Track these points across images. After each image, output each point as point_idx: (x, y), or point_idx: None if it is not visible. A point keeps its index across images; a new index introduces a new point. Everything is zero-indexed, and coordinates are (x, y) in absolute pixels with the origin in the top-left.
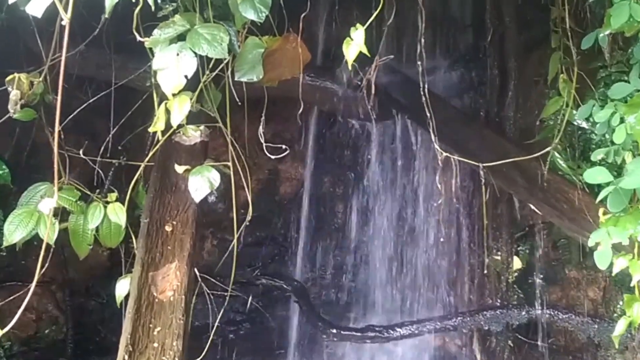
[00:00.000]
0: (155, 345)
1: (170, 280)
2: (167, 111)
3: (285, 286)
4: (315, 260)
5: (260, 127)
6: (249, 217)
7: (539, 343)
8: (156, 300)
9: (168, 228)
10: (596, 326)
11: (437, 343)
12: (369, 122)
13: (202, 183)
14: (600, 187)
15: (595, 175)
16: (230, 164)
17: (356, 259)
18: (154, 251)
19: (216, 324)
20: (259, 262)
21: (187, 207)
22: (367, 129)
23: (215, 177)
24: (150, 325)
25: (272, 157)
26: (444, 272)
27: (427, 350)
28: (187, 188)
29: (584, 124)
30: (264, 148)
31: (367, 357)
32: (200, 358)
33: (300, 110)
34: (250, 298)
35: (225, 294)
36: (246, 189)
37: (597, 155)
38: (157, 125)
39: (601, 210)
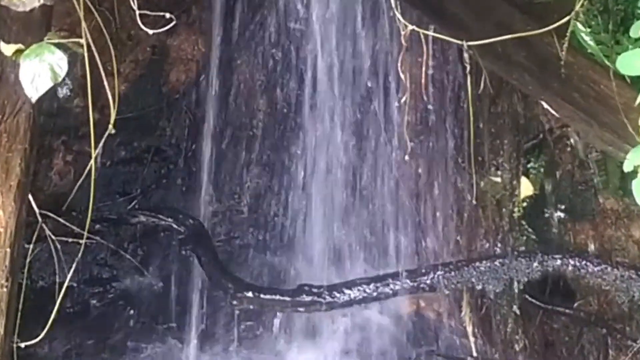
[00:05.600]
0: None
1: None
2: None
3: (175, 226)
4: (223, 185)
5: None
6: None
7: (560, 309)
8: None
9: None
10: None
11: (408, 309)
12: None
13: (40, 71)
14: None
15: (634, 61)
16: (83, 40)
17: (287, 181)
18: None
19: (66, 283)
20: (138, 188)
21: (17, 109)
22: None
23: (60, 62)
24: None
25: (151, 31)
26: (417, 203)
27: (392, 321)
28: (19, 79)
29: None
30: (137, 17)
31: (300, 332)
32: (39, 338)
33: None
34: (123, 245)
35: (83, 240)
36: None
37: (639, 29)
38: None
39: None
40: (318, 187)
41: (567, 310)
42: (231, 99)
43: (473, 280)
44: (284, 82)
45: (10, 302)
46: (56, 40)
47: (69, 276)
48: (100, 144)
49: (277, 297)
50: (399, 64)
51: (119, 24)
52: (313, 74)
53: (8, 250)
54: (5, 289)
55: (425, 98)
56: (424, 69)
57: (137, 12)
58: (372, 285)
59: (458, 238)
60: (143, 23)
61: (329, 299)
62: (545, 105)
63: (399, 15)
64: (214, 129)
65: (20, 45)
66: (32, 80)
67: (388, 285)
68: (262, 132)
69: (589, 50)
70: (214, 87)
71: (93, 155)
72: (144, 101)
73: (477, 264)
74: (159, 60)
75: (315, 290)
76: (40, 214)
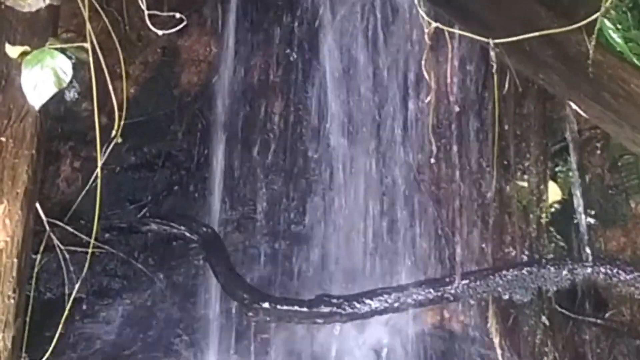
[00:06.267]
0: None
1: None
2: None
3: (188, 234)
4: (237, 191)
5: None
6: (119, 126)
7: (590, 319)
8: None
9: None
10: None
11: (432, 320)
12: None
13: (43, 77)
14: None
15: None
16: (88, 44)
17: (303, 188)
18: None
19: (74, 294)
20: (148, 195)
21: (24, 115)
22: None
23: (64, 67)
24: None
25: (160, 32)
26: (441, 209)
27: (415, 333)
28: None
29: None
30: (146, 17)
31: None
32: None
33: None
34: (134, 254)
35: (91, 250)
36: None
37: None
38: None
39: None
40: (336, 192)
41: (598, 321)
42: (245, 102)
43: (499, 289)
44: (300, 84)
45: (18, 315)
46: (59, 45)
47: (76, 287)
48: (108, 150)
49: (295, 308)
50: (422, 63)
51: (127, 24)
52: (330, 75)
53: (15, 260)
54: (12, 301)
55: (448, 99)
56: (448, 68)
57: (146, 12)
58: (394, 295)
59: (483, 245)
60: (152, 23)
61: (349, 309)
62: (574, 106)
63: (422, 13)
64: (227, 132)
65: (26, 47)
66: (34, 87)
67: (411, 295)
68: (278, 136)
69: (618, 49)
70: (227, 90)
71: (99, 162)
72: (155, 104)
73: (504, 272)
74: (170, 62)
75: (334, 300)
76: (48, 222)
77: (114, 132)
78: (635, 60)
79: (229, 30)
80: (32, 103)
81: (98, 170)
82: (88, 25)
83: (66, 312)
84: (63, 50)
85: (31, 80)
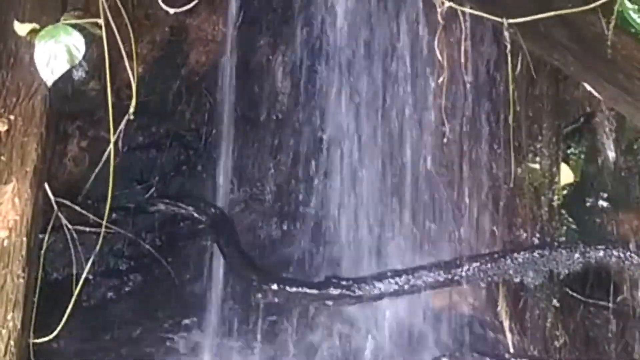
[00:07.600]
0: None
1: (4, 213)
2: None
3: (196, 215)
4: (246, 172)
5: None
6: (133, 104)
7: (602, 303)
8: None
9: (2, 126)
10: None
11: (441, 302)
12: None
13: (56, 53)
14: None
15: None
16: (101, 20)
17: (312, 169)
18: None
19: (84, 275)
20: (156, 175)
21: (33, 92)
22: None
23: (78, 44)
24: None
25: (172, 10)
26: (451, 191)
27: (424, 314)
28: (34, 61)
29: None
30: None
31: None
32: (54, 334)
33: None
34: (141, 235)
35: (100, 229)
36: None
37: None
38: None
39: None
40: (345, 173)
41: (609, 305)
42: (253, 82)
43: (510, 272)
44: (309, 63)
45: (27, 294)
46: (73, 21)
47: (87, 268)
48: (119, 130)
49: (304, 289)
50: (435, 43)
51: (135, 2)
52: (339, 54)
53: (24, 239)
54: (22, 280)
55: (460, 80)
56: (462, 48)
57: None
58: (403, 278)
59: (494, 228)
60: (162, 1)
61: (358, 292)
62: (588, 87)
63: None
64: (235, 112)
65: (34, 25)
66: (47, 63)
67: (421, 277)
68: (286, 116)
69: (633, 30)
70: (235, 69)
71: (112, 141)
72: (162, 84)
73: (515, 255)
74: (178, 41)
75: (343, 282)
76: (56, 202)
77: (130, 110)
78: None
79: (237, 10)
80: (45, 78)
81: (112, 149)
82: (102, 2)
83: (76, 292)
84: (75, 27)
85: (44, 55)
